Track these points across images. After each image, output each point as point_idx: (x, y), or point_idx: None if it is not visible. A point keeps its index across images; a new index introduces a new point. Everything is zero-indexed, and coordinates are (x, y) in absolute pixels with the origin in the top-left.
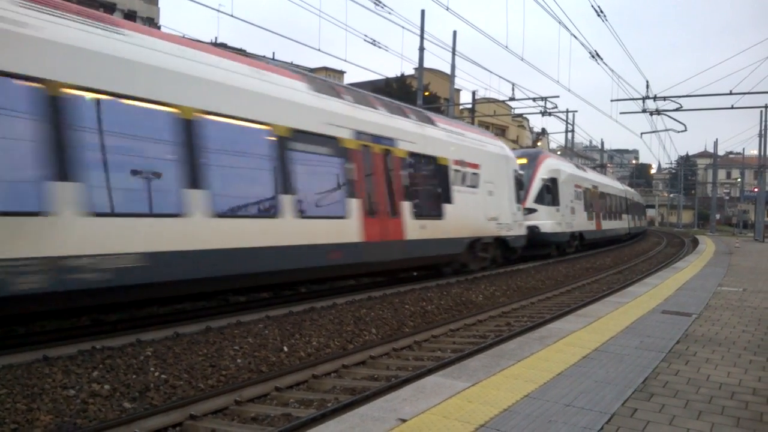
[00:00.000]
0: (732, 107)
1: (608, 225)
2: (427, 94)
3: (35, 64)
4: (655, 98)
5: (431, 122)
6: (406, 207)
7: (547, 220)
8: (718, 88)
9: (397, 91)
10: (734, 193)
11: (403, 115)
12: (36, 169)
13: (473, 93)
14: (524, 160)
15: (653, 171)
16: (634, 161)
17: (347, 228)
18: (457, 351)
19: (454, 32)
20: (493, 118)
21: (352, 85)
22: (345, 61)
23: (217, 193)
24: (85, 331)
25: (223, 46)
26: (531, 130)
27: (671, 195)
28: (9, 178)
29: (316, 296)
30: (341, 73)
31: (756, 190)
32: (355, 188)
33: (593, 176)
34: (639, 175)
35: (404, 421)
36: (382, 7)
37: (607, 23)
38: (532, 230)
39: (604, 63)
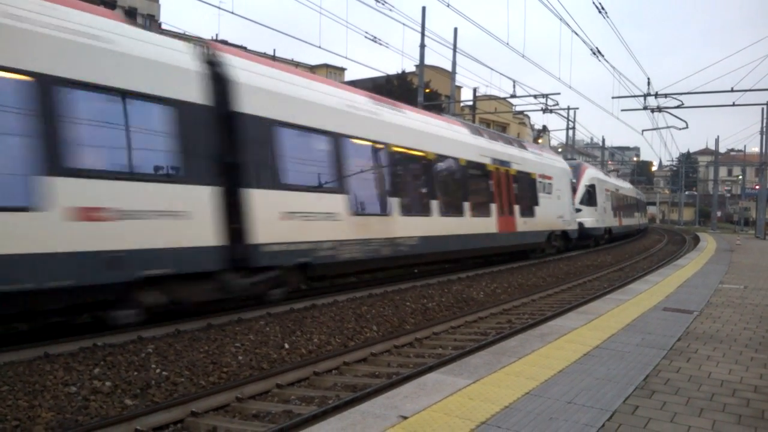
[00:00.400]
0: (733, 104)
1: (626, 222)
2: (428, 91)
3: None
4: (656, 95)
5: (524, 147)
6: (516, 209)
7: (589, 218)
8: (719, 85)
9: (398, 89)
10: (735, 191)
11: (511, 144)
12: (387, 193)
13: (474, 90)
14: (570, 170)
15: (654, 168)
16: (635, 158)
17: (491, 223)
18: (458, 348)
19: (455, 29)
20: (494, 115)
21: (352, 82)
22: (346, 58)
23: (443, 203)
24: (86, 328)
25: (224, 43)
26: (532, 127)
27: (672, 192)
28: (366, 195)
29: (317, 293)
30: (342, 70)
31: (757, 187)
32: (494, 196)
33: (614, 181)
34: (640, 173)
35: (405, 418)
36: (383, 4)
37: (608, 20)
38: (580, 225)
39: (605, 60)
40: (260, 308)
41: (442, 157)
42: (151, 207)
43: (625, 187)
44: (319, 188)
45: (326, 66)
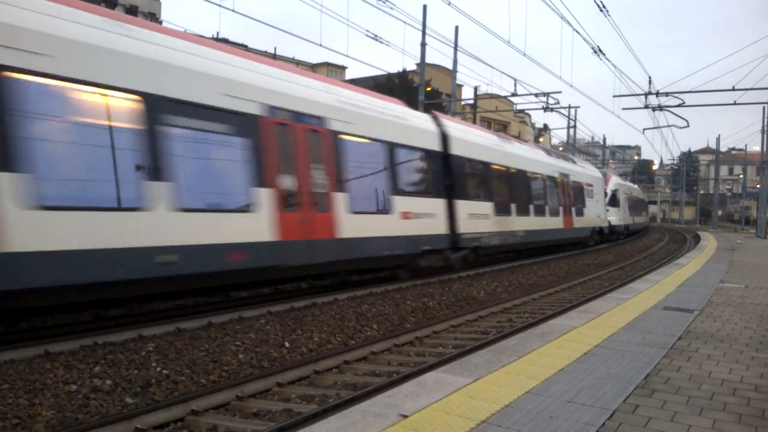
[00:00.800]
0: (735, 103)
1: (637, 219)
2: (428, 89)
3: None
4: (657, 94)
5: (574, 161)
6: (573, 210)
7: (614, 217)
8: (720, 84)
9: (399, 87)
10: (736, 190)
11: (567, 160)
12: (510, 200)
13: (475, 88)
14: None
15: (655, 167)
16: (636, 157)
17: (559, 221)
18: (458, 347)
19: (456, 27)
20: (495, 113)
21: (353, 80)
22: (346, 56)
23: (535, 206)
24: (87, 326)
25: (225, 41)
26: (533, 125)
27: (673, 191)
28: (500, 202)
29: (318, 292)
30: (343, 68)
31: (758, 186)
32: (560, 201)
33: (629, 184)
34: (641, 172)
35: (405, 416)
36: (384, 2)
37: (609, 19)
38: (608, 223)
39: (606, 59)
40: (260, 307)
41: (534, 174)
42: (424, 211)
43: (636, 189)
44: (481, 198)
45: (327, 64)
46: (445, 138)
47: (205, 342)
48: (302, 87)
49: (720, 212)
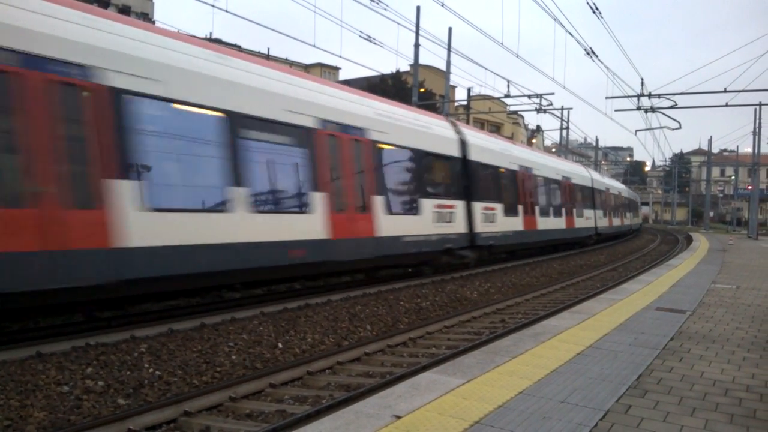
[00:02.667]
0: (726, 105)
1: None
2: (422, 90)
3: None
4: (650, 96)
5: (611, 178)
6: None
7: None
8: (712, 86)
9: (392, 88)
10: (728, 191)
11: (603, 176)
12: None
13: (468, 90)
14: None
15: (647, 168)
16: (628, 159)
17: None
18: (451, 348)
19: (450, 29)
20: (489, 115)
21: (347, 81)
22: (340, 57)
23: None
24: (79, 327)
25: (218, 41)
26: (526, 127)
27: (665, 192)
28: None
29: (311, 292)
30: (336, 69)
31: (750, 187)
32: (598, 205)
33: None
34: (633, 173)
35: (399, 417)
36: (378, 4)
37: (602, 20)
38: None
39: (599, 60)
40: (253, 308)
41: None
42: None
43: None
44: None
45: (320, 65)
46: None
47: (198, 343)
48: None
49: (712, 213)
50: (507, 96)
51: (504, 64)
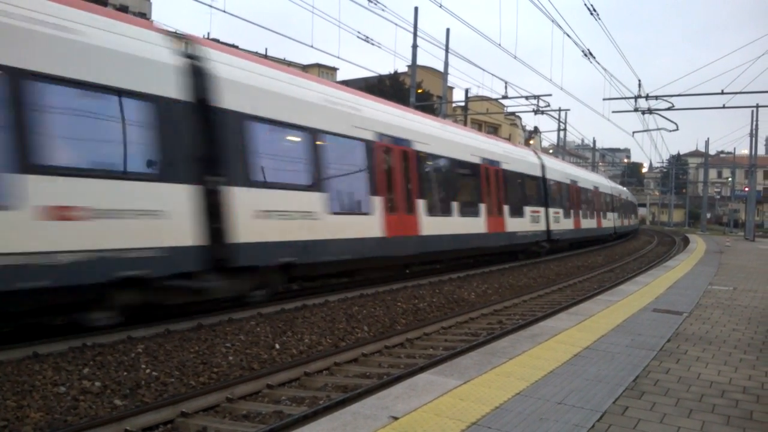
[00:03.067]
0: (723, 107)
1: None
2: (420, 91)
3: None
4: (647, 97)
5: (621, 187)
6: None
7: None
8: (710, 88)
9: (390, 89)
10: (725, 193)
11: (615, 184)
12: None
13: (466, 91)
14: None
15: (645, 170)
16: (625, 160)
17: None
18: (449, 349)
19: (447, 30)
20: (486, 116)
21: (345, 82)
22: (338, 57)
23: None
24: (76, 327)
25: (216, 41)
26: (523, 128)
27: (662, 194)
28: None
29: (309, 293)
30: (334, 69)
31: (747, 189)
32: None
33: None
34: (631, 174)
35: (396, 418)
36: (375, 4)
37: (600, 22)
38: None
39: (596, 62)
40: (251, 308)
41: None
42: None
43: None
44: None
45: (318, 66)
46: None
47: (195, 343)
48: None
49: (709, 215)
50: (505, 97)
51: (502, 66)
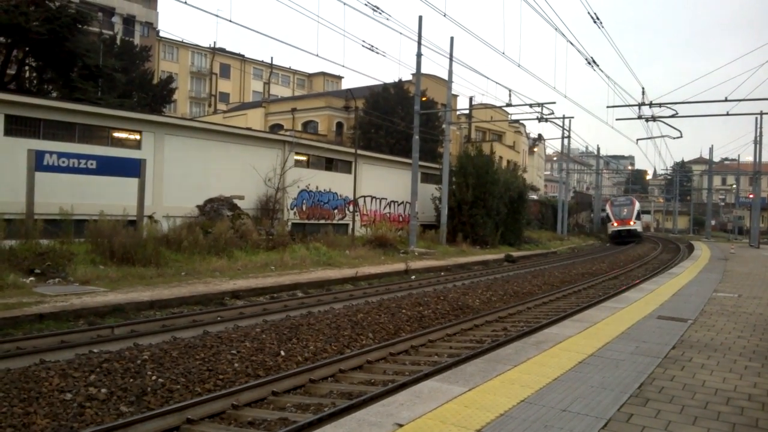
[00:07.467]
0: (727, 114)
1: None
2: (424, 99)
3: None
4: (650, 105)
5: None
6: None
7: (638, 227)
8: (713, 95)
9: (395, 97)
10: (729, 200)
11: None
12: None
13: (470, 99)
14: (629, 201)
15: (649, 177)
16: (629, 167)
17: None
18: (453, 356)
19: (452, 38)
20: (490, 123)
21: (350, 90)
22: (343, 66)
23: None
24: (83, 335)
25: (222, 50)
26: (527, 135)
27: (667, 201)
28: None
29: (314, 301)
30: (339, 78)
31: (751, 196)
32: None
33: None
34: (635, 181)
35: (401, 425)
36: (380, 14)
37: (603, 30)
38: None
39: (600, 69)
40: (257, 316)
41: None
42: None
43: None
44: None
45: (323, 74)
46: None
47: (201, 351)
48: None
49: (713, 222)
50: (509, 105)
51: (505, 74)
